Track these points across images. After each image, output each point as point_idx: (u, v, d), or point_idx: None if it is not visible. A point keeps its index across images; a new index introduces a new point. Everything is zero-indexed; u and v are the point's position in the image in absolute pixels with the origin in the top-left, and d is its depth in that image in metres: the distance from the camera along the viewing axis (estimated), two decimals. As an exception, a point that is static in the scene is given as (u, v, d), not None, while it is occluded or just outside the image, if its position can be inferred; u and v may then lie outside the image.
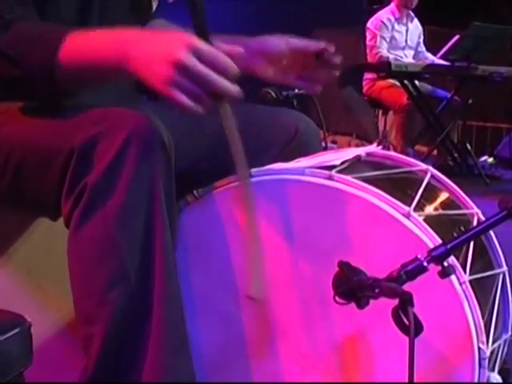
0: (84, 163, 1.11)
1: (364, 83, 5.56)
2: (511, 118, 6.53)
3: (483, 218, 1.33)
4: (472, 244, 1.25)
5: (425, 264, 1.04)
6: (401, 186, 1.32)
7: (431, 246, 1.13)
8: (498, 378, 1.19)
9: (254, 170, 1.24)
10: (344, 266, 1.06)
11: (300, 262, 1.21)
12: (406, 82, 5.23)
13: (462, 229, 1.31)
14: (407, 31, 5.66)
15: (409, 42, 5.68)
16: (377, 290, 1.02)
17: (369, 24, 5.56)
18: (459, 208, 1.40)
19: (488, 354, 1.15)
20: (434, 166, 1.44)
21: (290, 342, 1.23)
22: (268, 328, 1.23)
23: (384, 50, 5.48)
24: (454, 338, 1.15)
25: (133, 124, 1.12)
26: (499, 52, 5.73)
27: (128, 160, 1.09)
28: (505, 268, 1.36)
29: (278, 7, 5.07)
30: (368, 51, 5.51)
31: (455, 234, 1.24)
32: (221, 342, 1.27)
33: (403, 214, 1.17)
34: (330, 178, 1.21)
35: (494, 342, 1.21)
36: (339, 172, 1.24)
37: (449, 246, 1.06)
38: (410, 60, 5.61)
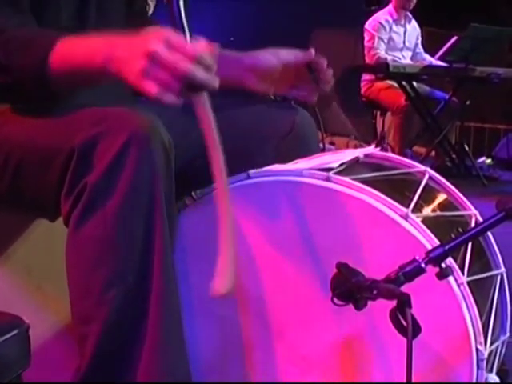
0: (84, 163, 1.11)
1: (362, 84, 5.55)
2: (509, 119, 6.54)
3: (481, 219, 1.33)
4: (470, 245, 1.25)
5: (423, 265, 1.04)
6: (399, 188, 1.32)
7: (429, 247, 1.13)
8: (496, 379, 1.19)
9: (252, 172, 1.24)
10: (342, 268, 1.06)
11: (298, 264, 1.21)
12: (403, 83, 5.23)
13: (460, 230, 1.31)
14: (405, 32, 5.66)
15: (407, 44, 5.68)
16: (375, 292, 1.02)
17: (367, 25, 5.56)
18: (457, 209, 1.40)
19: (486, 355, 1.15)
20: (432, 167, 1.44)
21: (288, 344, 1.23)
22: (266, 330, 1.24)
23: (382, 52, 5.48)
24: (452, 340, 1.15)
25: (133, 124, 1.12)
26: (497, 53, 5.73)
27: (128, 160, 1.09)
28: (503, 269, 1.36)
29: (277, 8, 5.07)
30: (366, 52, 5.51)
31: (453, 236, 1.24)
32: (218, 344, 1.27)
33: (401, 216, 1.17)
34: (328, 179, 1.21)
35: (491, 344, 1.21)
36: (337, 173, 1.24)
37: (447, 248, 1.06)
38: (407, 61, 5.61)
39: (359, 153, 1.42)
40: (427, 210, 1.31)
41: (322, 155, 1.43)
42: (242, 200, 1.23)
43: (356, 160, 1.39)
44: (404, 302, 1.00)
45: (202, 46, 1.07)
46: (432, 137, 5.44)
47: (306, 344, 1.21)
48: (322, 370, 1.21)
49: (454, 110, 5.44)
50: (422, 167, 1.41)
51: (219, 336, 1.27)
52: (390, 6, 5.63)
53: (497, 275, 1.34)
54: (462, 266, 1.20)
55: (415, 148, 5.70)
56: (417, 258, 1.05)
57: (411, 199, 1.24)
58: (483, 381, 1.16)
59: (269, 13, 5.07)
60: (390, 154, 1.51)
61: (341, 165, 1.29)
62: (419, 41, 5.81)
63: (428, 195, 1.35)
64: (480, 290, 1.23)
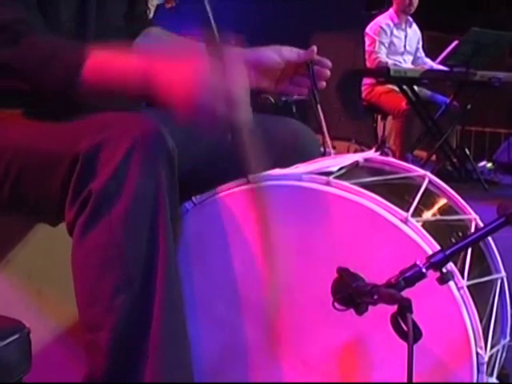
0: (89, 169, 1.11)
1: (363, 88, 5.56)
2: (510, 123, 6.53)
3: (481, 224, 1.33)
4: (470, 249, 1.25)
5: (423, 270, 1.04)
6: (399, 192, 1.33)
7: (429, 251, 1.13)
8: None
9: (251, 176, 1.24)
10: (343, 272, 1.06)
11: (298, 268, 1.21)
12: (404, 87, 5.24)
13: (460, 234, 1.31)
14: (406, 37, 5.67)
15: (407, 48, 5.69)
16: (375, 297, 1.02)
17: (368, 29, 5.57)
18: (457, 213, 1.40)
19: (486, 359, 1.15)
20: (432, 171, 1.44)
21: (289, 349, 1.23)
22: (267, 334, 1.24)
23: (383, 56, 5.49)
24: (453, 344, 1.15)
25: (137, 130, 1.12)
26: (498, 57, 5.73)
27: (133, 167, 1.10)
28: (503, 273, 1.36)
29: (277, 11, 5.07)
30: (367, 56, 5.52)
31: (453, 240, 1.25)
32: (220, 348, 1.27)
33: (401, 220, 1.17)
34: (328, 183, 1.21)
35: (492, 348, 1.21)
36: (337, 178, 1.24)
37: (447, 253, 1.06)
38: (408, 65, 5.62)
39: (359, 157, 1.43)
40: (427, 215, 1.31)
41: (321, 159, 1.43)
42: (242, 205, 1.23)
43: (356, 164, 1.39)
44: (405, 307, 1.00)
45: (240, 80, 1.13)
46: (433, 141, 5.44)
47: (306, 349, 1.21)
48: (323, 374, 1.21)
49: (454, 114, 5.44)
50: (422, 171, 1.41)
51: (220, 340, 1.27)
52: (391, 10, 5.64)
53: (497, 279, 1.34)
54: (462, 270, 1.20)
55: (416, 152, 5.70)
56: (417, 262, 1.05)
57: (411, 203, 1.24)
58: (484, 385, 1.16)
59: (268, 17, 5.07)
60: (390, 159, 1.51)
61: (340, 169, 1.29)
62: (420, 45, 5.82)
63: (428, 199, 1.35)
64: (480, 294, 1.23)
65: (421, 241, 1.15)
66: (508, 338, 1.34)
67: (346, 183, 1.21)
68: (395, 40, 5.61)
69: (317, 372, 1.21)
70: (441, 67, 5.47)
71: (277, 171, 1.29)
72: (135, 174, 1.10)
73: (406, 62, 5.66)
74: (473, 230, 1.34)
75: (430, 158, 5.46)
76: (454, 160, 5.50)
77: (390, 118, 5.59)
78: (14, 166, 1.20)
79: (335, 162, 1.32)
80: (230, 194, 1.24)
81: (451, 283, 1.12)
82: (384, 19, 5.61)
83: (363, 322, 1.11)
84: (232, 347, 1.26)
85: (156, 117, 1.19)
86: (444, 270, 1.06)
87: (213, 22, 1.18)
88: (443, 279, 1.06)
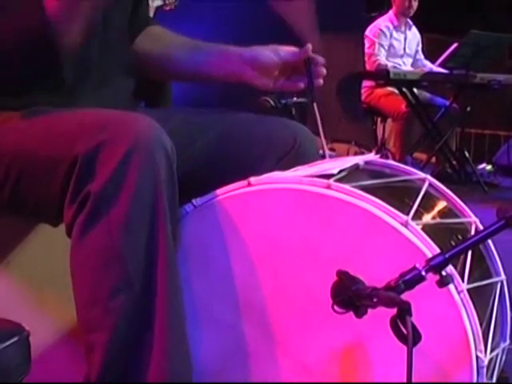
0: (87, 171, 1.11)
1: (363, 91, 5.56)
2: (509, 125, 6.54)
3: (481, 227, 1.33)
4: (470, 252, 1.25)
5: (423, 273, 1.04)
6: (399, 195, 1.32)
7: (429, 254, 1.13)
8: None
9: (252, 179, 1.24)
10: (342, 275, 1.06)
11: (298, 271, 1.21)
12: (404, 89, 5.25)
13: (460, 237, 1.31)
14: (405, 39, 5.68)
15: (407, 50, 5.69)
16: (375, 300, 1.02)
17: (367, 32, 5.58)
18: (457, 216, 1.40)
19: (486, 362, 1.15)
20: (432, 174, 1.44)
21: (289, 352, 1.23)
22: (267, 338, 1.24)
23: (382, 58, 5.49)
24: (452, 347, 1.15)
25: (136, 131, 1.12)
26: (497, 60, 5.74)
27: (131, 168, 1.10)
28: (503, 276, 1.36)
29: (277, 14, 5.07)
30: (366, 59, 5.52)
31: (453, 243, 1.25)
32: (220, 350, 1.27)
33: (401, 223, 1.17)
34: (328, 186, 1.21)
35: (492, 351, 1.21)
36: (337, 181, 1.24)
37: (447, 256, 1.06)
38: (408, 68, 5.62)
39: (359, 160, 1.43)
40: (427, 218, 1.31)
41: (321, 162, 1.43)
42: (243, 207, 1.23)
43: (356, 167, 1.39)
44: (404, 310, 1.00)
45: None
46: (432, 143, 5.45)
47: (306, 352, 1.21)
48: (323, 377, 1.21)
49: (454, 117, 5.45)
50: (422, 174, 1.41)
51: (220, 342, 1.27)
52: (391, 13, 5.65)
53: (497, 282, 1.34)
54: (462, 273, 1.20)
55: (416, 154, 5.71)
56: (417, 265, 1.04)
57: (411, 206, 1.24)
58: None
59: (268, 19, 5.07)
60: (391, 161, 1.51)
61: (340, 172, 1.29)
62: (419, 47, 5.82)
63: (428, 202, 1.35)
64: (480, 298, 1.23)
65: (421, 244, 1.15)
66: (508, 342, 1.34)
67: (346, 186, 1.21)
68: (395, 42, 5.62)
69: (316, 375, 1.21)
70: (440, 70, 5.48)
71: (277, 174, 1.29)
72: (134, 175, 1.10)
73: (406, 65, 5.67)
74: (473, 232, 1.34)
75: (430, 161, 5.46)
76: (454, 162, 5.50)
77: (389, 120, 5.60)
78: (14, 169, 1.20)
79: (335, 165, 1.32)
80: (230, 196, 1.24)
81: (451, 286, 1.12)
82: (384, 21, 5.61)
83: (363, 325, 1.11)
84: (232, 349, 1.26)
85: (155, 117, 1.19)
86: (444, 273, 1.06)
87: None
88: (443, 282, 1.06)
